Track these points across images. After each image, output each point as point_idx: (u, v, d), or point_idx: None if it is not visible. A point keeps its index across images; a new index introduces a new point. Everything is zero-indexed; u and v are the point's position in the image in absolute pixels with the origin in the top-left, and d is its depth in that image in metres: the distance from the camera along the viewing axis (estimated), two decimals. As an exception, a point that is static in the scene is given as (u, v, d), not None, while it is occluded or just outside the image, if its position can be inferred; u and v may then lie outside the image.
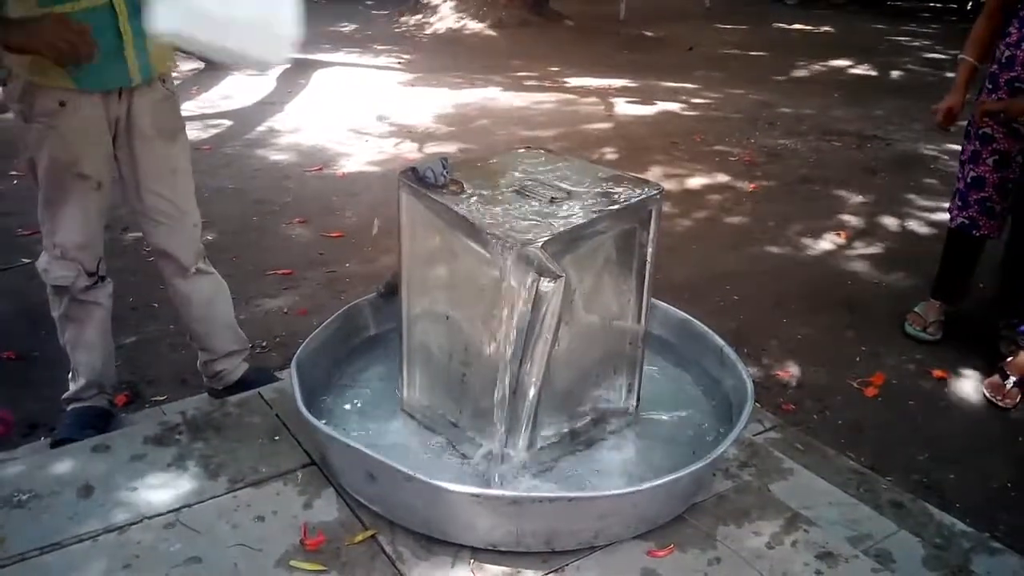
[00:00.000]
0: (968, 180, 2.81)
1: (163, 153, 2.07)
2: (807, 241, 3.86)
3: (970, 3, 12.08)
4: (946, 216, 2.99)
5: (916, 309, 3.03)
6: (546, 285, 1.49)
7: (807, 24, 11.12)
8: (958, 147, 5.24)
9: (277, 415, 1.92)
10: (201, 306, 2.26)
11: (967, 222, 2.82)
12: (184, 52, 2.08)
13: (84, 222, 2.00)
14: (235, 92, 6.56)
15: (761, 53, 8.94)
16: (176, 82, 6.52)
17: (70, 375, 2.20)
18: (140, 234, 3.60)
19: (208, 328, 2.30)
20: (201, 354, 2.33)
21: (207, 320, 2.29)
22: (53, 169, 1.93)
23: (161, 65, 2.01)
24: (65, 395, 2.20)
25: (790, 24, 11.15)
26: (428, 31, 9.67)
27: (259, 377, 2.32)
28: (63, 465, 1.71)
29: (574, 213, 1.59)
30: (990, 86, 2.80)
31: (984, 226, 2.79)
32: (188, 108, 6.10)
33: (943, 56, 9.03)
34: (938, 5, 12.94)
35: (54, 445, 1.98)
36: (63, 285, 2.03)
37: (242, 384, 2.28)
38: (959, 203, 2.84)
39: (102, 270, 2.10)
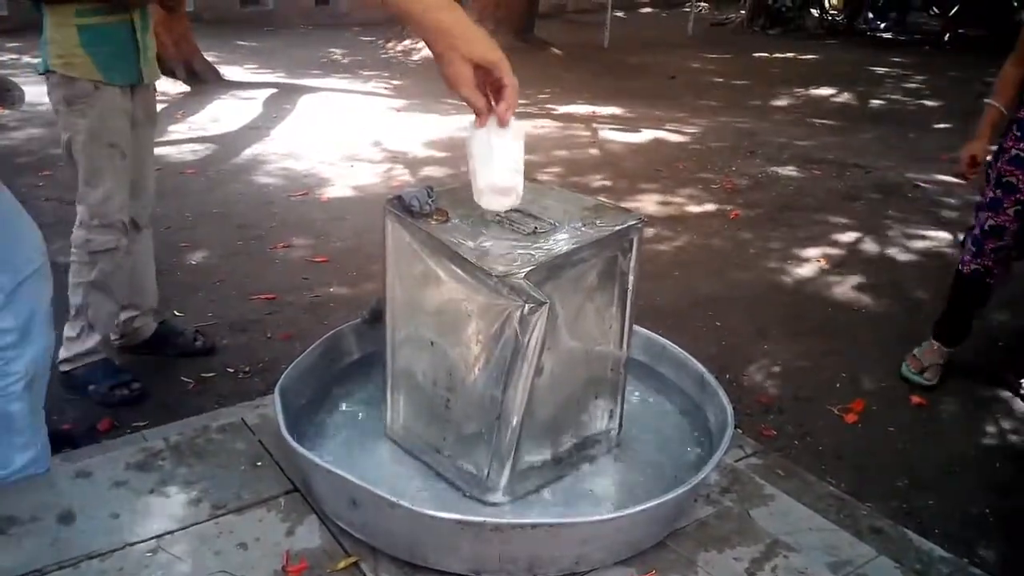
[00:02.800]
0: (985, 228, 2.70)
1: (148, 135, 2.64)
2: (788, 268, 3.90)
3: (947, 35, 12.32)
4: (926, 244, 3.04)
5: (915, 352, 2.94)
6: (530, 312, 1.50)
7: (788, 53, 11.30)
8: (941, 176, 5.37)
9: (260, 441, 1.91)
10: (142, 262, 2.70)
11: (981, 270, 2.73)
12: None
13: (118, 188, 2.45)
14: (221, 116, 6.58)
15: (743, 82, 9.07)
16: (163, 105, 6.55)
17: (76, 333, 2.52)
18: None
19: (142, 283, 2.72)
20: (122, 314, 2.69)
21: (143, 274, 2.72)
22: (91, 140, 2.37)
23: (156, 72, 2.54)
24: (71, 354, 2.53)
25: (771, 53, 11.32)
26: (416, 57, 9.75)
27: (171, 330, 2.86)
28: (43, 491, 1.70)
29: (557, 242, 1.61)
30: (1018, 133, 2.66)
31: (998, 275, 2.72)
32: (174, 131, 6.12)
33: (921, 86, 9.19)
34: (916, 36, 13.18)
35: (103, 401, 2.51)
36: (109, 248, 2.47)
37: (156, 338, 2.80)
38: (973, 249, 2.75)
39: (143, 222, 2.67)
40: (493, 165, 1.57)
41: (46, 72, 2.34)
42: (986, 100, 2.80)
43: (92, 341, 2.54)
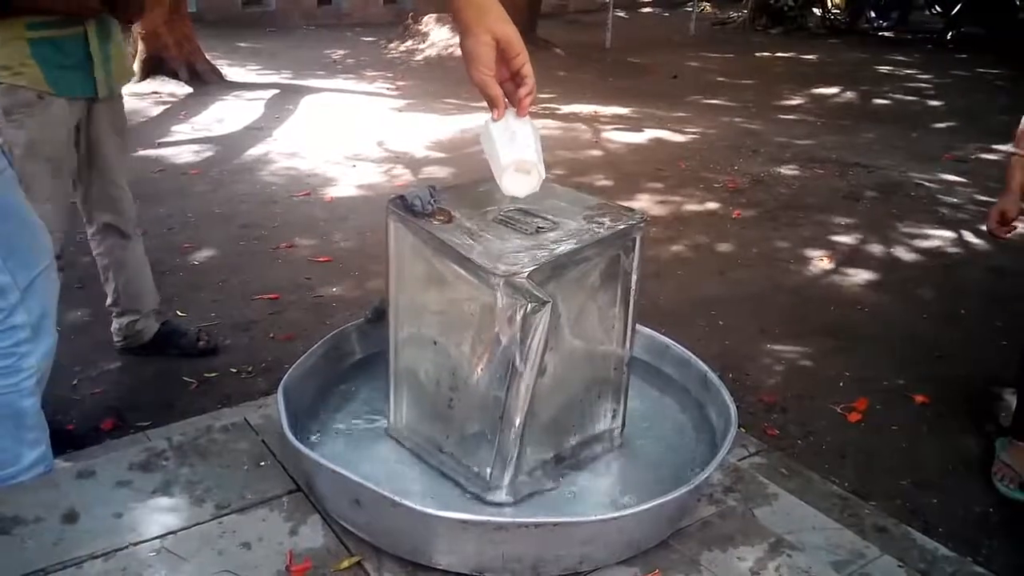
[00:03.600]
0: None
1: (117, 146, 2.58)
2: (791, 267, 3.90)
3: (949, 33, 12.30)
4: (929, 243, 3.04)
5: (1002, 458, 2.44)
6: (533, 311, 1.50)
7: (790, 53, 11.29)
8: (944, 175, 5.36)
9: (263, 441, 1.91)
10: (135, 268, 2.74)
11: None
12: None
13: (54, 207, 2.33)
14: (223, 117, 6.59)
15: (745, 81, 9.06)
16: (164, 106, 6.57)
17: None
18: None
19: (139, 287, 2.76)
20: (123, 318, 2.76)
21: (139, 280, 2.76)
22: (27, 154, 2.24)
23: (123, 81, 2.50)
24: None
25: (774, 53, 11.31)
26: (419, 57, 9.75)
27: (173, 329, 2.87)
28: (47, 491, 1.70)
29: (560, 241, 1.61)
30: None
31: None
32: (176, 132, 6.12)
33: (924, 85, 9.18)
34: (919, 35, 13.16)
35: None
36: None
37: (159, 338, 2.82)
38: None
39: (128, 231, 2.68)
40: (516, 143, 1.56)
41: None
42: (1012, 150, 2.51)
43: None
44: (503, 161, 1.52)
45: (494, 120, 1.50)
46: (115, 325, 2.83)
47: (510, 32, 1.36)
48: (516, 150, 1.58)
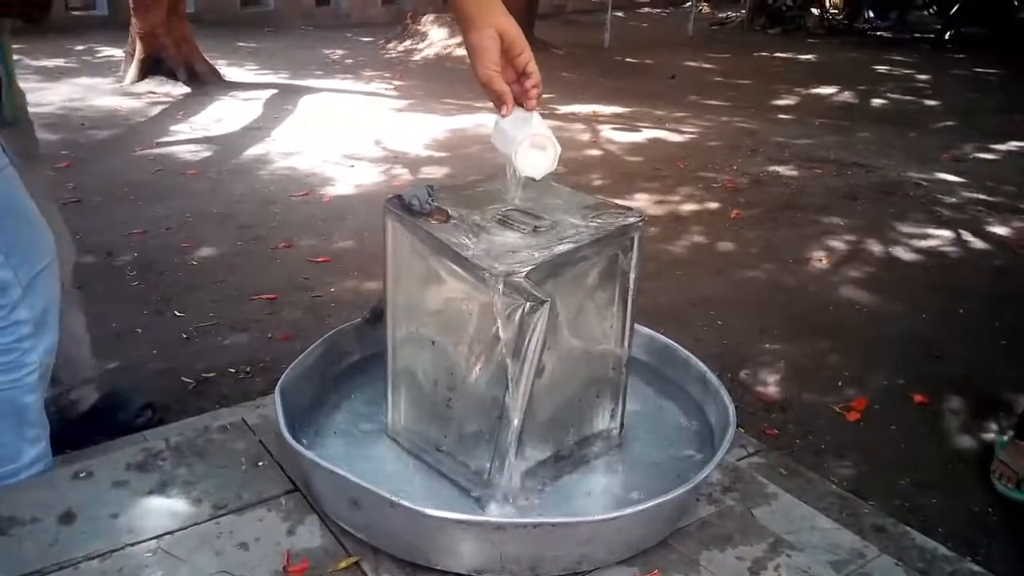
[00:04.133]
0: None
1: (36, 176, 1.98)
2: (790, 267, 3.90)
3: (948, 34, 12.31)
4: (927, 242, 3.04)
5: (1000, 457, 2.41)
6: (531, 311, 1.50)
7: (789, 53, 11.30)
8: (942, 175, 5.36)
9: (260, 441, 1.91)
10: (67, 331, 2.05)
11: None
12: None
13: None
14: (221, 117, 6.58)
15: (743, 81, 9.06)
16: (162, 106, 6.55)
17: None
18: (123, 259, 3.62)
19: (70, 352, 2.17)
20: (55, 388, 2.16)
21: (70, 343, 2.17)
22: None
23: (21, 104, 2.00)
24: None
25: (772, 53, 11.32)
26: (417, 57, 9.75)
27: (113, 403, 2.31)
28: (44, 491, 1.69)
29: (558, 241, 1.60)
30: None
31: None
32: (174, 132, 6.12)
33: (922, 85, 9.18)
34: (917, 35, 13.17)
35: None
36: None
37: (96, 411, 2.29)
38: None
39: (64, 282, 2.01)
40: (530, 126, 1.55)
41: None
42: None
43: None
44: (518, 137, 1.50)
45: (503, 116, 1.49)
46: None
47: (513, 27, 1.35)
48: (531, 128, 1.58)
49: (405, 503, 1.45)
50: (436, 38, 9.98)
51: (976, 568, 1.86)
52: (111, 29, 9.84)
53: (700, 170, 5.43)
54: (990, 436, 2.58)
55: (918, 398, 2.77)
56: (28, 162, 1.87)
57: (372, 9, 12.83)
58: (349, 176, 5.08)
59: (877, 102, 8.20)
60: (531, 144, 1.53)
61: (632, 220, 1.71)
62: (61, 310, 2.02)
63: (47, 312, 1.76)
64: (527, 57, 1.39)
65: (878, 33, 13.67)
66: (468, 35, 1.36)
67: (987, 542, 2.09)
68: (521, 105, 1.52)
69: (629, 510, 1.51)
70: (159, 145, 5.70)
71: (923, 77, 9.62)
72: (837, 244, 4.19)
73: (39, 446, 1.82)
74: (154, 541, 1.56)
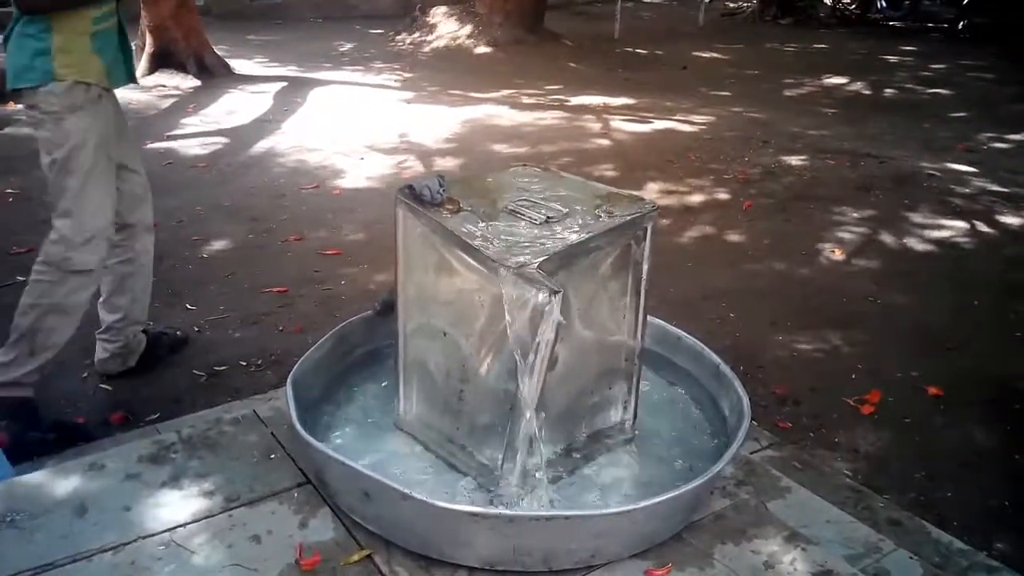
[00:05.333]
0: None
1: (131, 137, 2.57)
2: (802, 258, 3.87)
3: (961, 23, 12.20)
4: (941, 233, 2.99)
5: None
6: (544, 302, 1.49)
7: (800, 43, 11.21)
8: (956, 166, 5.32)
9: (272, 433, 1.91)
10: (149, 262, 2.60)
11: None
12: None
13: (111, 202, 2.33)
14: (231, 110, 6.58)
15: (755, 72, 9.00)
16: (172, 99, 6.55)
17: (10, 358, 2.24)
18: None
19: (146, 283, 2.61)
20: (126, 331, 2.57)
21: (147, 275, 2.61)
22: (93, 149, 2.23)
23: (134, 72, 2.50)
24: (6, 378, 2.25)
25: (783, 43, 11.24)
26: (426, 49, 9.73)
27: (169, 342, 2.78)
28: (56, 484, 1.70)
29: (570, 231, 1.60)
30: None
31: None
32: (185, 125, 6.12)
33: (935, 75, 9.10)
34: (929, 25, 13.06)
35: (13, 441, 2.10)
36: (89, 268, 2.27)
37: (153, 350, 2.68)
38: None
39: (148, 225, 2.58)
40: None
41: (39, 84, 2.14)
42: None
43: (25, 369, 2.25)
44: None
45: None
46: (116, 344, 2.58)
47: None
48: None
49: (418, 496, 1.45)
50: (445, 30, 9.95)
51: (992, 562, 1.84)
52: (121, 22, 9.87)
53: (712, 161, 5.40)
54: (1006, 430, 2.56)
55: (932, 390, 2.75)
56: (125, 121, 2.48)
57: (381, 1, 12.80)
58: (359, 168, 5.07)
59: (890, 92, 8.13)
60: None
61: (645, 210, 1.70)
62: (149, 249, 2.59)
63: None
64: None
65: (890, 23, 13.55)
66: None
67: (1003, 535, 2.07)
68: None
69: (643, 503, 1.51)
70: (169, 138, 5.70)
71: (936, 67, 9.53)
72: (850, 236, 4.16)
73: None
74: (166, 534, 1.56)
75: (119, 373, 2.62)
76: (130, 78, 2.43)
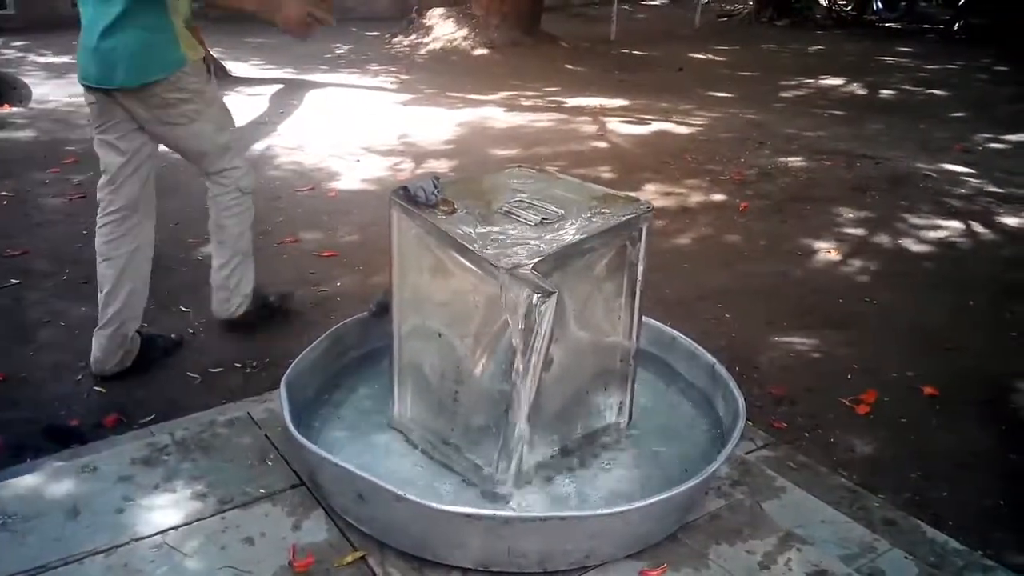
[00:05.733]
0: None
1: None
2: (798, 259, 3.87)
3: (957, 24, 12.23)
4: (937, 234, 2.99)
5: None
6: (538, 303, 1.48)
7: (796, 44, 11.24)
8: (952, 167, 5.32)
9: (266, 435, 1.90)
10: (150, 253, 2.75)
11: None
12: None
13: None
14: (228, 112, 6.58)
15: (751, 73, 9.01)
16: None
17: (248, 272, 2.87)
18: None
19: (145, 277, 2.72)
20: (119, 320, 2.64)
21: (147, 267, 2.74)
22: (222, 105, 2.77)
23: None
24: (243, 296, 2.85)
25: (780, 45, 11.26)
26: (422, 51, 9.73)
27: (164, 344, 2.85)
28: (49, 486, 1.69)
29: (565, 232, 1.59)
30: None
31: None
32: (180, 128, 6.11)
33: (931, 76, 9.12)
34: (925, 26, 13.09)
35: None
36: (253, 188, 2.82)
37: (147, 352, 2.74)
38: None
39: None
40: None
41: (178, 69, 2.44)
42: None
43: (253, 271, 2.90)
44: None
45: None
46: (114, 341, 2.61)
47: None
48: None
49: (412, 497, 1.44)
50: (441, 32, 9.95)
51: (987, 562, 1.84)
52: (117, 25, 9.85)
53: (708, 162, 5.41)
54: (1002, 430, 2.56)
55: (928, 390, 2.75)
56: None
57: (377, 3, 12.80)
58: (355, 170, 5.07)
59: (886, 93, 8.15)
60: None
61: (640, 211, 1.70)
62: (134, 266, 2.65)
63: None
64: None
65: (886, 24, 13.59)
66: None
67: (999, 536, 2.07)
68: None
69: (638, 504, 1.50)
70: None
71: (932, 68, 9.55)
72: (846, 236, 4.16)
73: None
74: (159, 536, 1.56)
75: (113, 375, 2.61)
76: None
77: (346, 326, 2.13)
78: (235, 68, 8.33)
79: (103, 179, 2.57)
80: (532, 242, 1.56)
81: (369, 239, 3.89)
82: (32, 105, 6.33)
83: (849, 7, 14.32)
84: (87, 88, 2.47)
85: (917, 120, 6.80)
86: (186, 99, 2.49)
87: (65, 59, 8.75)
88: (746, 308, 3.32)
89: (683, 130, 6.33)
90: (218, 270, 2.82)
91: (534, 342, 1.52)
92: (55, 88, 7.14)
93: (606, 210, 1.69)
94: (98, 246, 2.59)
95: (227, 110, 2.81)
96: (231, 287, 2.83)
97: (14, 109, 6.20)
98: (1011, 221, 4.45)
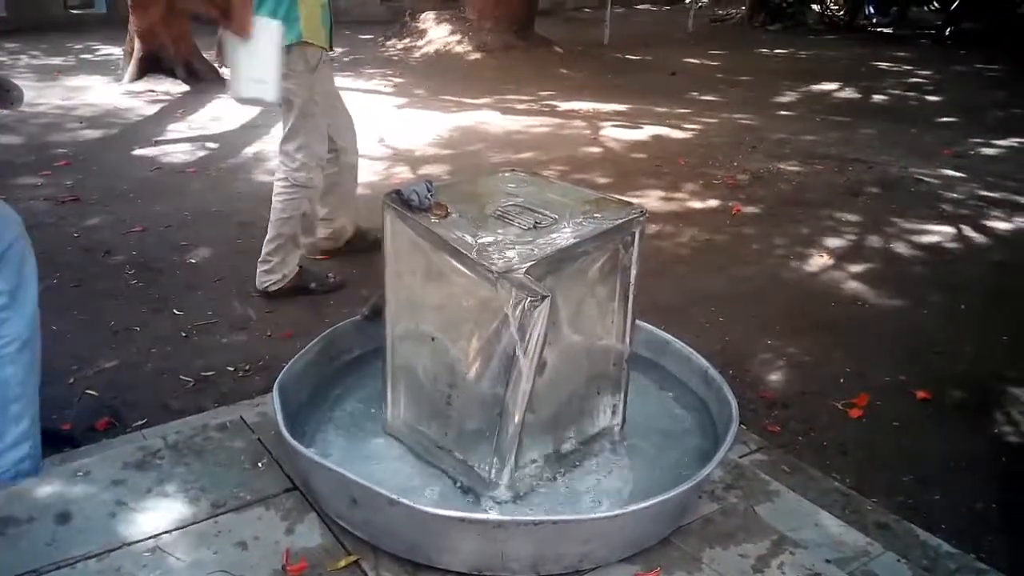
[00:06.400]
0: None
1: (335, 85, 3.42)
2: (791, 263, 3.88)
3: (948, 29, 12.29)
4: (929, 238, 3.01)
5: None
6: (532, 306, 1.49)
7: (789, 49, 11.28)
8: (943, 171, 5.35)
9: (259, 439, 1.90)
10: (355, 171, 3.65)
11: None
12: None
13: (326, 137, 3.24)
14: (220, 115, 6.56)
15: (744, 78, 9.04)
16: (160, 104, 6.53)
17: (283, 257, 3.22)
18: (121, 257, 3.61)
19: (351, 186, 3.64)
20: (335, 223, 3.62)
21: (353, 180, 3.66)
22: (322, 101, 3.14)
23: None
24: (282, 274, 3.23)
25: (772, 49, 11.30)
26: (416, 55, 9.73)
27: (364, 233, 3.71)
28: (40, 490, 1.68)
29: (558, 236, 1.59)
30: None
31: None
32: (173, 131, 6.10)
33: (923, 80, 9.16)
34: (918, 31, 13.15)
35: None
36: (314, 185, 3.22)
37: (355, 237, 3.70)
38: None
39: (353, 149, 3.57)
40: (237, 79, 1.96)
41: (291, 45, 2.90)
42: None
43: (296, 257, 3.26)
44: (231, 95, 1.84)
45: (226, 35, 1.77)
46: (328, 230, 3.58)
47: None
48: (235, 87, 2.07)
49: (405, 501, 1.44)
50: (435, 35, 9.96)
51: (980, 565, 1.85)
52: (110, 27, 9.81)
53: (701, 167, 5.42)
54: (994, 433, 2.57)
55: (920, 394, 2.76)
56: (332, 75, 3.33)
57: (371, 6, 12.80)
58: (348, 174, 5.06)
59: (878, 98, 8.18)
60: (239, 103, 1.98)
61: (633, 215, 1.70)
62: (338, 181, 3.50)
63: (20, 287, 1.79)
64: None
65: (879, 29, 13.65)
66: None
67: (991, 539, 2.08)
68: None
69: (631, 508, 1.51)
70: (158, 143, 5.68)
71: (924, 73, 9.60)
72: (838, 240, 4.18)
73: (22, 424, 1.80)
74: (152, 540, 1.55)
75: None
76: (331, 47, 3.15)
77: (339, 329, 2.13)
78: (228, 71, 8.31)
79: None
80: (525, 246, 1.56)
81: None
82: (23, 108, 6.31)
83: (841, 12, 14.37)
84: None
85: (908, 124, 6.84)
86: (286, 75, 2.91)
87: (57, 61, 8.73)
88: (739, 312, 3.33)
89: (676, 134, 6.35)
90: (264, 244, 3.23)
91: (527, 346, 1.52)
92: (47, 90, 7.12)
93: (599, 214, 1.69)
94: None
95: (328, 106, 3.22)
96: (270, 264, 3.20)
97: (5, 111, 6.17)
98: (1002, 225, 4.47)
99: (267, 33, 2.80)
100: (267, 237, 3.21)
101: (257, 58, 2.82)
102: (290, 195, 3.16)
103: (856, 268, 3.84)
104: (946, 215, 4.60)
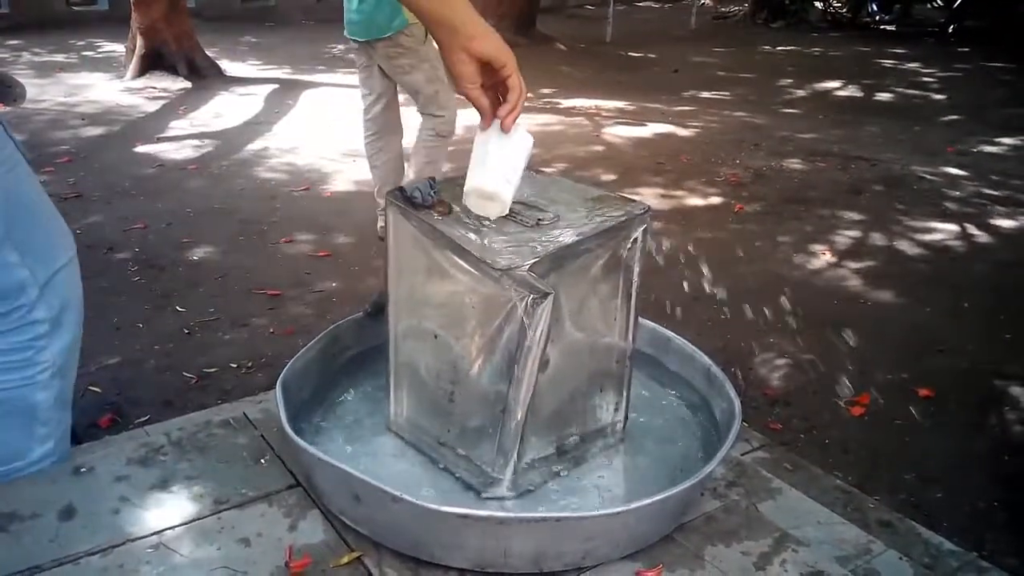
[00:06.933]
0: None
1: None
2: (794, 260, 3.88)
3: (952, 27, 12.27)
4: (932, 236, 3.01)
5: None
6: (535, 304, 1.48)
7: (792, 46, 11.27)
8: (947, 169, 5.34)
9: (262, 436, 1.90)
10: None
11: None
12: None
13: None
14: (222, 112, 6.57)
15: (747, 75, 9.03)
16: (162, 101, 6.58)
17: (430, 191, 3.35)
18: (123, 254, 3.61)
19: None
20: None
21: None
22: (434, 63, 3.53)
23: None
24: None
25: (775, 47, 11.29)
26: (416, 52, 9.73)
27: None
28: (43, 487, 1.69)
29: (562, 233, 1.59)
30: None
31: None
32: (175, 128, 6.10)
33: (926, 78, 9.15)
34: (921, 29, 13.13)
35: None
36: (455, 135, 3.82)
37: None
38: None
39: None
40: (485, 168, 1.58)
41: (403, 28, 3.37)
42: None
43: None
44: (467, 186, 1.55)
45: (482, 129, 1.52)
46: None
47: (488, 49, 1.34)
48: (481, 175, 1.61)
49: (408, 498, 1.44)
50: (438, 32, 9.95)
51: (982, 563, 1.84)
52: (112, 24, 9.82)
53: (704, 164, 5.42)
54: (996, 431, 2.57)
55: (922, 392, 2.76)
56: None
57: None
58: (350, 171, 5.06)
59: (881, 96, 8.17)
60: (477, 196, 1.57)
61: (636, 212, 1.70)
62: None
63: (65, 310, 1.74)
64: (507, 72, 1.39)
65: (882, 27, 13.63)
66: (444, 59, 1.39)
67: (993, 537, 2.08)
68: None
69: (633, 505, 1.50)
70: (160, 140, 5.69)
71: (927, 70, 9.58)
72: (841, 238, 4.17)
73: (47, 444, 1.80)
74: (155, 536, 1.55)
75: None
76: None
77: (342, 326, 2.12)
78: (231, 68, 8.32)
79: (363, 110, 3.88)
80: (528, 243, 1.56)
81: (364, 239, 3.89)
82: (25, 105, 6.32)
83: (844, 9, 14.35)
84: (354, 41, 3.61)
85: (911, 122, 6.83)
86: (402, 53, 3.42)
87: (59, 57, 8.73)
88: (741, 309, 3.33)
89: (679, 131, 6.34)
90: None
91: (530, 343, 1.52)
92: (49, 87, 7.13)
93: (602, 211, 1.69)
94: (367, 158, 3.97)
95: (439, 67, 3.55)
96: None
97: (8, 108, 6.18)
98: (1005, 223, 4.47)
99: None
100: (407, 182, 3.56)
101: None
102: (435, 144, 3.72)
103: (858, 266, 3.84)
104: (949, 213, 4.59)
